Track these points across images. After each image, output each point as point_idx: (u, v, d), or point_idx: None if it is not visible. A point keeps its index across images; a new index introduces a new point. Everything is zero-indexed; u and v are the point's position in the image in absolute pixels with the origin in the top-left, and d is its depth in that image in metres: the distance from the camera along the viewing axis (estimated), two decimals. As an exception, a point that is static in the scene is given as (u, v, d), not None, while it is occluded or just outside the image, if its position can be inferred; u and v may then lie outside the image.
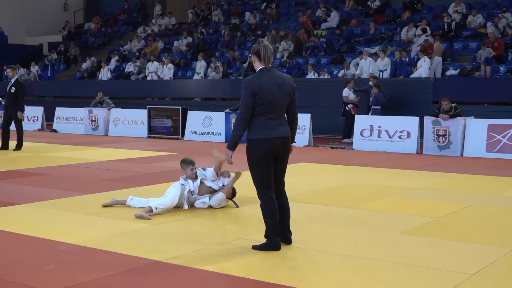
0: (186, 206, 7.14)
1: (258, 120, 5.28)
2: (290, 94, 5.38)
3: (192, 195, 7.19)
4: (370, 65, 18.49)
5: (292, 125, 5.48)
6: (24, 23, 32.22)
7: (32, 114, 21.11)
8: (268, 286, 4.51)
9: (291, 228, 5.64)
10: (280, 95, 5.29)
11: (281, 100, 5.30)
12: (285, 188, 5.57)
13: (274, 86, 5.26)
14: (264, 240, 5.46)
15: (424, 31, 19.57)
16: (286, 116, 5.46)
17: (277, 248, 5.39)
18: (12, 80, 13.71)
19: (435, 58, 17.65)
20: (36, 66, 27.68)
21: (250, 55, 4.92)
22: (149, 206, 6.84)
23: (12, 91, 13.56)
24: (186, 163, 7.36)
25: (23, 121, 13.97)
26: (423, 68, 17.31)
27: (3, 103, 21.63)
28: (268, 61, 5.31)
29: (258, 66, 5.37)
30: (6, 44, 30.01)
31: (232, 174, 7.39)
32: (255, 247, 5.45)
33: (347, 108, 16.41)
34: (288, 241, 5.57)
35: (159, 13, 29.73)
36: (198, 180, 7.28)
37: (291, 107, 5.44)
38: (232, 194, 7.41)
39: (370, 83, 16.46)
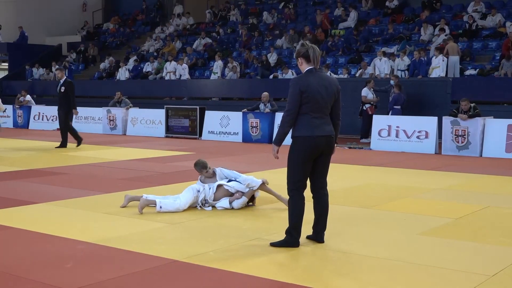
0: (203, 208, 7.16)
1: (303, 118, 5.38)
2: (335, 95, 5.49)
3: (206, 203, 7.18)
4: (386, 65, 18.40)
5: (335, 125, 5.58)
6: (43, 24, 32.50)
7: (51, 114, 21.29)
8: (285, 286, 4.51)
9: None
10: (326, 95, 5.40)
11: (326, 100, 5.41)
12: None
13: (321, 86, 5.39)
14: (282, 237, 5.50)
15: (443, 30, 19.43)
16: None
17: (296, 245, 5.44)
18: (61, 81, 14.36)
19: (451, 57, 17.52)
20: (56, 66, 27.89)
21: (295, 57, 5.17)
22: (155, 200, 6.94)
23: (62, 90, 14.17)
24: (200, 167, 7.41)
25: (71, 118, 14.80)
26: (441, 68, 17.19)
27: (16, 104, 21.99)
28: (317, 62, 5.47)
29: (305, 67, 5.49)
30: (26, 45, 30.30)
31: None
32: (273, 244, 5.52)
33: (364, 108, 16.34)
34: (321, 239, 5.64)
35: (180, 12, 29.80)
36: (214, 186, 7.23)
37: (334, 108, 5.54)
38: (251, 198, 7.36)
39: (392, 82, 16.35)
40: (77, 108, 14.51)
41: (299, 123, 5.39)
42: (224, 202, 7.19)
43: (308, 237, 5.70)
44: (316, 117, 5.38)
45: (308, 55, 5.45)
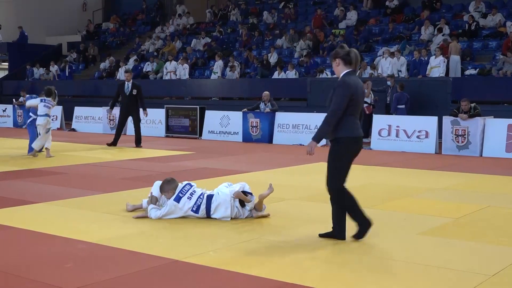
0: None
1: (349, 120, 5.57)
2: (363, 98, 5.94)
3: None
4: (390, 65, 18.40)
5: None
6: (43, 23, 32.51)
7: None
8: (285, 285, 4.51)
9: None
10: (361, 98, 5.70)
11: (361, 102, 5.75)
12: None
13: (361, 89, 5.67)
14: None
15: (440, 30, 19.42)
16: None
17: (370, 225, 5.68)
18: (129, 83, 14.60)
19: (452, 57, 17.52)
20: (56, 66, 27.92)
21: (331, 58, 5.34)
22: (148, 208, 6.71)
23: (134, 93, 14.45)
24: (172, 186, 6.68)
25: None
26: (441, 68, 17.19)
27: (16, 104, 21.98)
28: (357, 65, 5.66)
29: (343, 69, 5.61)
30: (26, 44, 30.32)
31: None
32: (355, 236, 5.68)
33: (362, 108, 16.33)
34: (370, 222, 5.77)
35: (181, 13, 29.79)
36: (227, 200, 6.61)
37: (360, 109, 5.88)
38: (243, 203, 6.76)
39: (388, 83, 16.38)
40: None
41: (345, 124, 5.54)
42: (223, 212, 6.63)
43: (321, 235, 5.82)
44: (356, 118, 5.65)
45: (350, 58, 5.58)
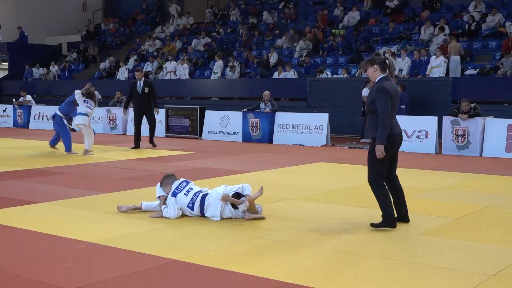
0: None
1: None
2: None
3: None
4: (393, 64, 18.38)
5: None
6: (43, 23, 32.51)
7: (52, 114, 21.26)
8: (285, 285, 4.51)
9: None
10: (397, 99, 6.34)
11: (397, 103, 6.40)
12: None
13: (395, 92, 6.31)
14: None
15: (442, 29, 19.42)
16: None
17: (395, 224, 6.23)
18: (141, 82, 14.37)
19: (452, 57, 17.52)
20: (56, 66, 27.92)
21: (368, 64, 6.11)
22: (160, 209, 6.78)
23: (146, 91, 14.24)
24: (171, 180, 6.87)
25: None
26: (442, 68, 17.18)
27: (16, 104, 21.99)
28: (393, 72, 6.37)
29: (379, 74, 6.30)
30: (26, 44, 30.32)
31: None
32: (373, 225, 6.25)
33: (364, 108, 16.33)
34: (406, 219, 6.46)
35: (178, 13, 29.80)
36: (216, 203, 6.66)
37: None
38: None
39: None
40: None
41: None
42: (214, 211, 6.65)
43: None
44: (394, 118, 6.30)
45: (386, 65, 6.27)
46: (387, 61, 6.27)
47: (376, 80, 6.27)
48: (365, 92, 16.37)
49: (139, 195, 7.95)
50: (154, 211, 6.90)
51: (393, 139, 6.20)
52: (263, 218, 6.65)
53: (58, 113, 13.20)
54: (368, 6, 23.99)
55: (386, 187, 6.33)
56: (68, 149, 12.91)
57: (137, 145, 14.45)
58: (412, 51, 18.84)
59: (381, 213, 6.25)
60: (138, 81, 14.40)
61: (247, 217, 6.58)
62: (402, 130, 6.69)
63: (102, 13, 34.76)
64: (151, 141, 14.59)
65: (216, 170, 10.64)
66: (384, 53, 6.37)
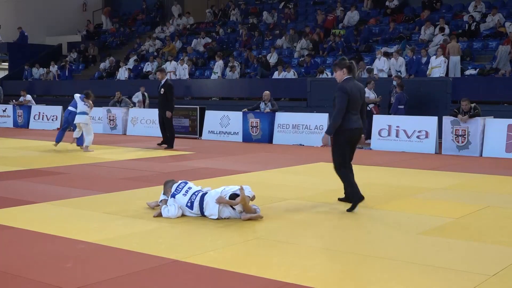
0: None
1: (346, 115, 7.04)
2: (363, 97, 7.36)
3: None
4: (385, 65, 18.38)
5: (363, 119, 7.33)
6: (43, 24, 32.51)
7: (52, 114, 21.34)
8: (285, 285, 4.51)
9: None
10: (359, 98, 7.19)
11: (359, 101, 7.19)
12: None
13: (357, 91, 7.15)
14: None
15: (442, 29, 19.42)
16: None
17: (362, 198, 7.13)
18: (162, 82, 14.48)
19: (452, 57, 17.51)
20: (56, 66, 27.92)
21: (337, 67, 7.34)
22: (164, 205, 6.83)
23: (162, 92, 14.31)
24: (170, 185, 7.00)
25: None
26: (442, 68, 17.18)
27: (16, 104, 22.01)
28: (356, 74, 7.27)
29: (344, 75, 7.17)
30: (26, 44, 30.32)
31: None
32: (349, 210, 7.02)
33: (368, 108, 16.30)
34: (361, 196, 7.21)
35: (178, 13, 29.79)
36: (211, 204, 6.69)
37: (362, 107, 7.34)
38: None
39: (394, 83, 16.33)
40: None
41: (343, 118, 7.02)
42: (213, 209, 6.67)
43: (340, 200, 7.56)
44: (353, 114, 7.07)
45: (352, 67, 7.19)
46: (351, 65, 7.21)
47: (342, 80, 7.15)
48: (366, 92, 16.31)
49: (139, 195, 7.96)
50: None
51: (351, 132, 7.09)
52: (260, 218, 6.64)
53: (73, 109, 13.82)
54: (368, 6, 23.98)
55: (349, 171, 7.23)
56: (81, 143, 13.71)
57: (165, 142, 14.60)
58: (407, 52, 18.76)
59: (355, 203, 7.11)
60: (160, 82, 14.59)
61: (243, 218, 6.58)
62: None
63: (102, 6, 34.56)
64: (167, 143, 14.54)
65: (216, 170, 10.64)
66: (350, 58, 7.51)
